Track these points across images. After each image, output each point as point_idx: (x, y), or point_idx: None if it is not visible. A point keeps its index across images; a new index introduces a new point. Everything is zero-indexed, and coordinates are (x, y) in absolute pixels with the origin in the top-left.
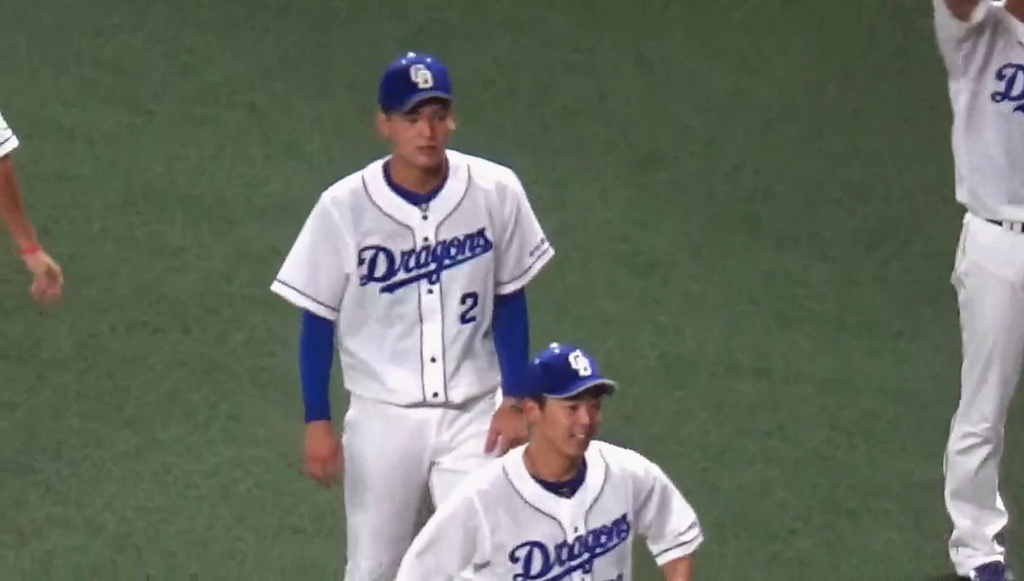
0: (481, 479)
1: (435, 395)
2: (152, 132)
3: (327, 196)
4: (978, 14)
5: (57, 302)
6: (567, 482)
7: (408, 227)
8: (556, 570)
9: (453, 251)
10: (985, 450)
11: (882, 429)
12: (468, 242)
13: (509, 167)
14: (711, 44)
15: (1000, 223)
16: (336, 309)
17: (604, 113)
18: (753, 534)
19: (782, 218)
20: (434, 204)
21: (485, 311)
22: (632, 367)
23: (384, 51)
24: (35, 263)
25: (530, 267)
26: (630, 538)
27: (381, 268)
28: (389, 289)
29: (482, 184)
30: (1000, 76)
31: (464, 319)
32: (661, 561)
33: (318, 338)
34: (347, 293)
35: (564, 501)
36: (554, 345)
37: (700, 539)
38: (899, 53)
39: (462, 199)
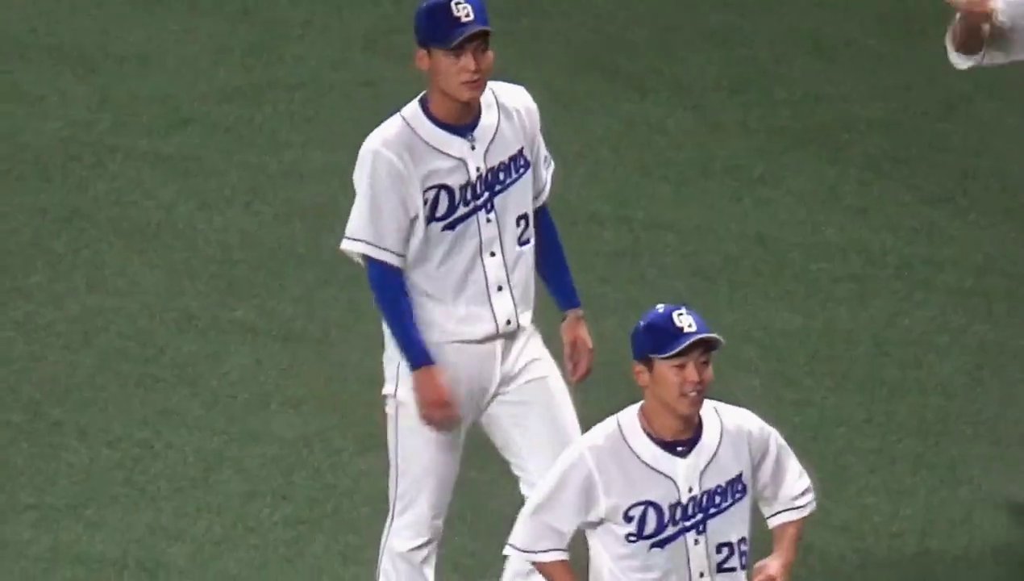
0: (595, 435)
1: (508, 322)
2: None
3: (376, 143)
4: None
5: None
6: (683, 441)
7: (461, 160)
8: (670, 530)
9: (502, 176)
10: None
11: (744, 275)
12: (512, 164)
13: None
14: None
15: None
16: (404, 256)
17: None
18: (615, 382)
19: (643, 66)
20: (477, 133)
21: (532, 230)
22: None
23: None
24: None
25: (547, 180)
26: (746, 500)
27: (443, 206)
28: (451, 225)
29: (510, 106)
30: None
31: (520, 242)
32: (772, 523)
33: (398, 288)
34: (412, 237)
35: (679, 460)
36: (659, 305)
37: (813, 505)
38: None
39: (498, 124)
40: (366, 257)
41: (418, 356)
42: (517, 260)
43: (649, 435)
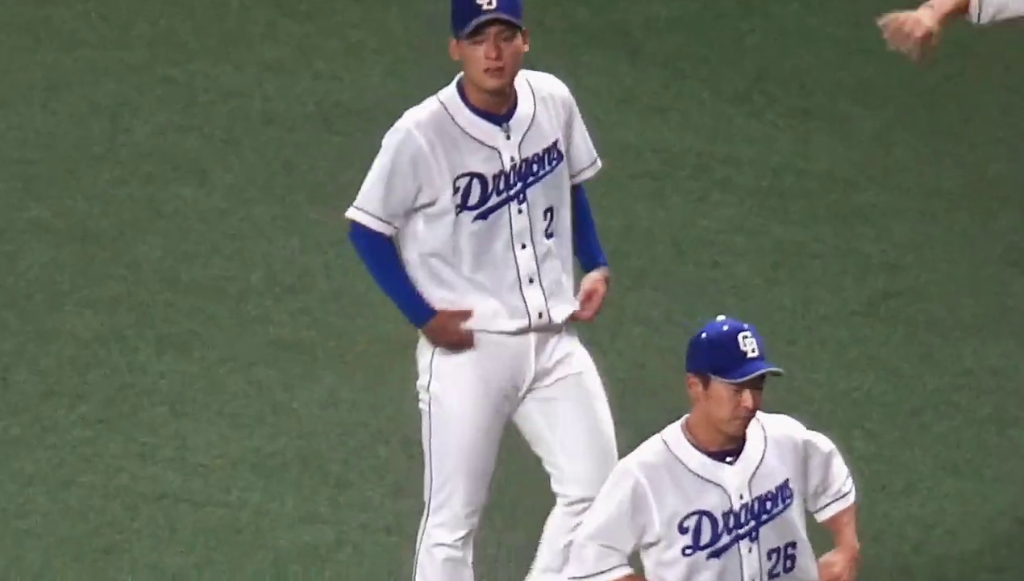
0: (642, 452)
1: (540, 316)
2: None
3: (408, 122)
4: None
5: None
6: (729, 451)
7: (495, 149)
8: (724, 540)
9: (535, 168)
10: None
11: None
12: (546, 156)
13: None
14: None
15: None
16: (396, 227)
17: None
18: None
19: None
20: (512, 123)
21: (564, 223)
22: (291, 114)
23: None
24: None
25: (592, 158)
26: (795, 504)
27: (475, 195)
28: (483, 216)
29: (546, 95)
30: None
31: (547, 234)
32: (821, 517)
33: (389, 252)
34: (439, 226)
35: (728, 468)
36: (721, 318)
37: (854, 492)
38: None
39: (534, 114)
40: (364, 227)
41: (422, 310)
42: (546, 253)
43: (695, 446)
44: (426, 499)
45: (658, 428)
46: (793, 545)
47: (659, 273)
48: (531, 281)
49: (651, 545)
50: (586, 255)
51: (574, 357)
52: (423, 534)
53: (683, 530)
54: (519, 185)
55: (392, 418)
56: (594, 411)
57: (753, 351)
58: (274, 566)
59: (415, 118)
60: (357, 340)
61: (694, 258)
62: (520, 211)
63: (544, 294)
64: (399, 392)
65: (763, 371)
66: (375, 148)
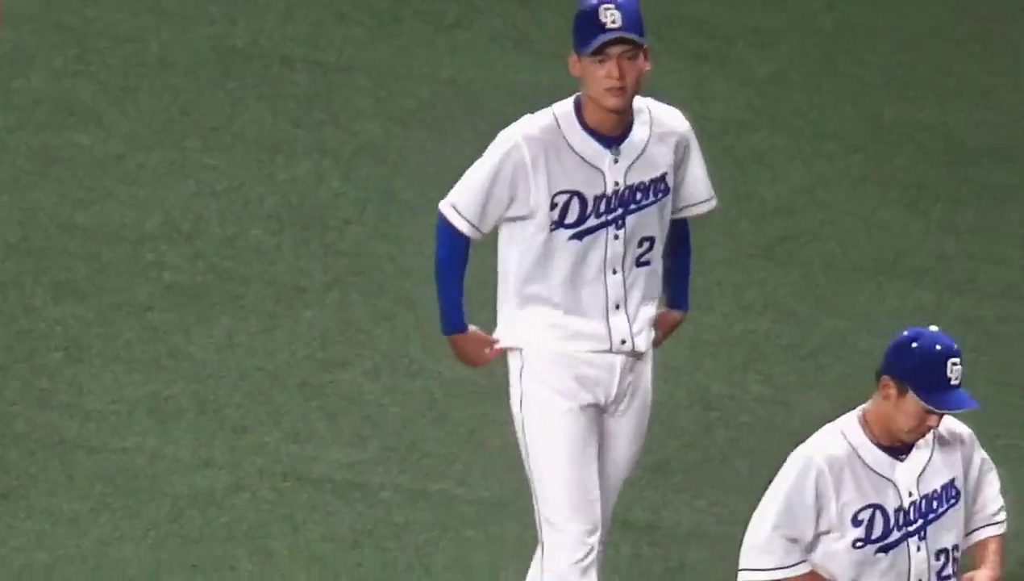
0: (822, 441)
1: (623, 342)
2: None
3: (518, 132)
4: None
5: None
6: (901, 447)
7: (600, 170)
8: (895, 535)
9: (639, 196)
10: None
11: (437, 119)
12: (652, 187)
13: None
14: None
15: None
16: (483, 232)
17: None
18: (309, 225)
19: None
20: (624, 148)
21: (656, 255)
22: (187, 59)
23: None
24: None
25: (702, 198)
26: (960, 505)
27: (573, 214)
28: (579, 236)
29: (666, 128)
30: None
31: (639, 262)
32: (971, 539)
33: (462, 252)
34: (533, 241)
35: (899, 464)
36: (933, 330)
37: (1006, 522)
38: None
39: (647, 143)
40: (451, 225)
41: (456, 322)
42: (636, 281)
43: (872, 441)
44: (538, 527)
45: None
46: (956, 548)
47: None
48: (617, 307)
49: (822, 535)
50: (673, 293)
51: (641, 390)
52: (542, 564)
53: (856, 522)
54: (620, 210)
55: (288, 362)
56: (633, 455)
57: (957, 379)
58: (171, 511)
59: (526, 129)
60: (252, 285)
61: None
62: (616, 237)
63: (629, 321)
64: (293, 336)
65: (962, 408)
66: (270, 94)
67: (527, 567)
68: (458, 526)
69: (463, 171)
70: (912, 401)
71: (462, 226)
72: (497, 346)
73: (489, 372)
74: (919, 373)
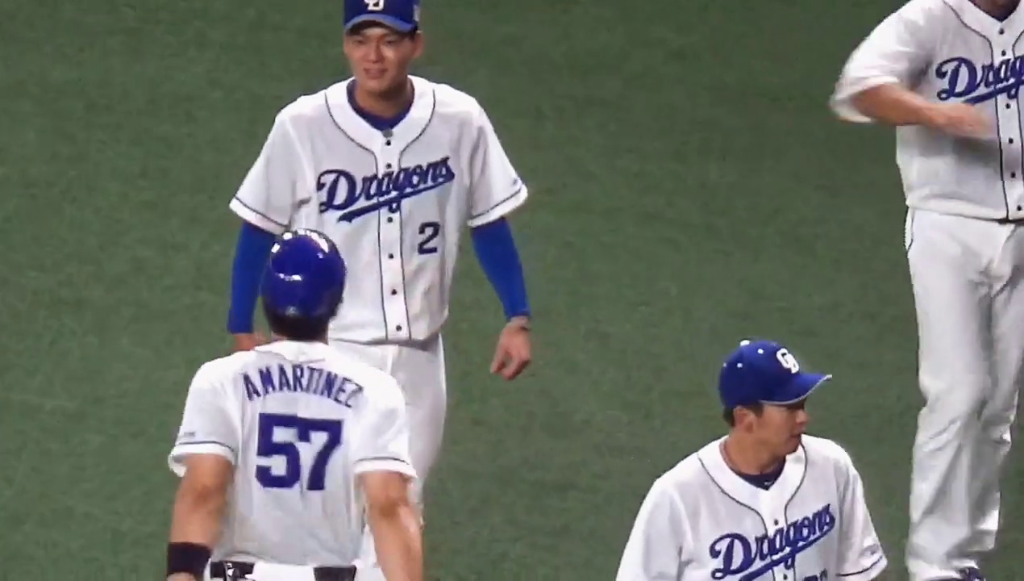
0: (677, 472)
1: (398, 329)
2: None
3: (285, 114)
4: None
5: None
6: (767, 474)
7: (370, 152)
8: (757, 564)
9: (415, 179)
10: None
11: (19, 28)
12: (431, 171)
13: None
14: None
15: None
16: (283, 226)
17: None
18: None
19: None
20: (398, 130)
21: (446, 243)
22: None
23: None
24: None
25: (498, 202)
26: (834, 532)
27: (341, 195)
28: (348, 217)
29: (447, 112)
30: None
31: (422, 249)
32: None
33: (252, 248)
34: (309, 224)
35: (763, 493)
36: (747, 343)
37: (883, 565)
38: None
39: (426, 127)
40: (241, 218)
41: (236, 321)
42: (417, 268)
43: (732, 469)
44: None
45: None
46: (825, 574)
47: (135, 128)
48: (394, 292)
49: (684, 565)
50: (507, 298)
51: (429, 390)
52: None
53: (714, 553)
54: (394, 193)
55: None
56: (421, 452)
57: (794, 366)
58: None
59: (293, 110)
60: None
61: (169, 113)
62: (391, 220)
63: (406, 308)
64: None
65: (819, 383)
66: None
67: (107, 478)
68: (39, 437)
69: (47, 83)
70: (772, 412)
71: (250, 217)
72: None
73: (67, 282)
74: (761, 383)
